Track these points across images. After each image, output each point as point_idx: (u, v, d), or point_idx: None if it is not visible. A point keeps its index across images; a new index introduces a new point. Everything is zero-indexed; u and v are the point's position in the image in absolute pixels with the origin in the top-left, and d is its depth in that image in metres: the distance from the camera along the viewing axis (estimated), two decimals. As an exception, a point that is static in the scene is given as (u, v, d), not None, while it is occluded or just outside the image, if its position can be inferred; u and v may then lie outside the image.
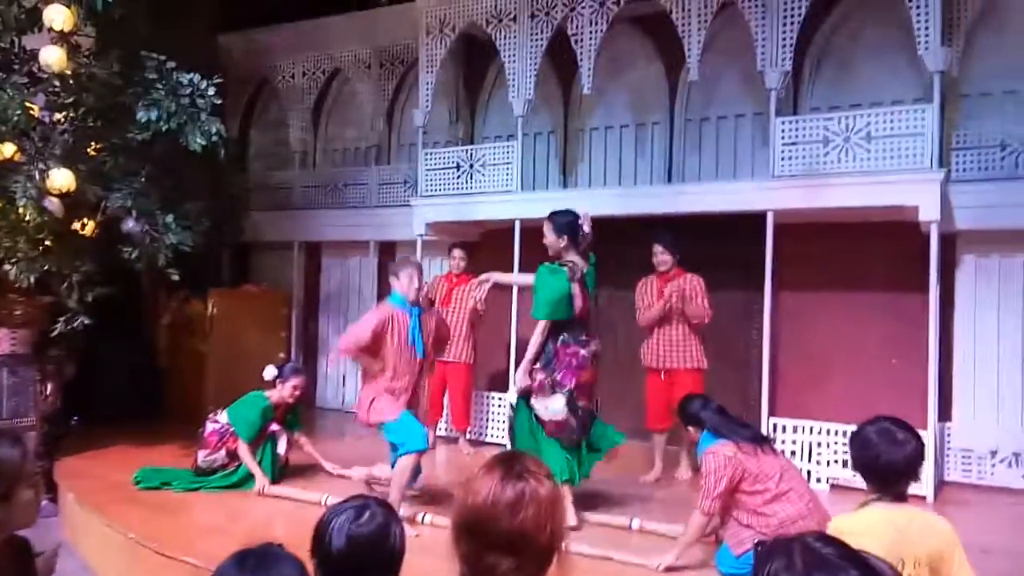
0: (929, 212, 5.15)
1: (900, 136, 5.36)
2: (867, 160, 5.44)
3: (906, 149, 5.33)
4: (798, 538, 1.27)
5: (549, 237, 4.41)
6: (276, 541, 1.57)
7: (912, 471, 2.36)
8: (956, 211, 5.55)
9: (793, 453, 5.51)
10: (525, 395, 4.32)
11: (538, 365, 4.26)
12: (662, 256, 5.56)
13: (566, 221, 4.39)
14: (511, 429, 4.54)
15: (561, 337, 4.25)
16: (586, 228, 4.38)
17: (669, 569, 3.68)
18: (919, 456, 2.36)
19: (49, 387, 5.83)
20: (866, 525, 2.30)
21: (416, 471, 4.51)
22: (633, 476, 5.50)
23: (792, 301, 6.20)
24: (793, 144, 5.68)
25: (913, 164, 5.29)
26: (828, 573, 1.19)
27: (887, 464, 2.33)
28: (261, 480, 5.04)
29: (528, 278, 4.54)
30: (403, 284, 4.55)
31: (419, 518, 4.32)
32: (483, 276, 4.86)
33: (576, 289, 4.25)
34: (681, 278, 5.53)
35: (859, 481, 5.36)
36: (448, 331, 5.24)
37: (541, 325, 4.26)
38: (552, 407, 4.17)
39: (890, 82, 6.14)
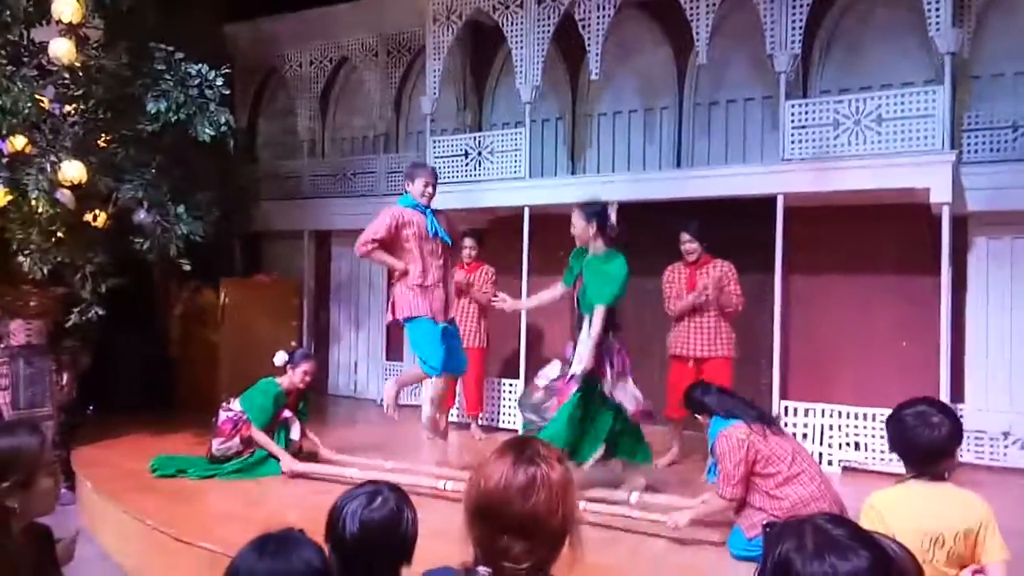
0: (940, 194, 5.12)
1: (911, 118, 5.32)
2: (878, 143, 5.40)
3: (917, 131, 5.30)
4: (809, 519, 1.28)
5: (579, 226, 4.46)
6: (295, 526, 1.59)
7: (948, 452, 2.40)
8: (968, 193, 5.51)
9: (804, 436, 5.52)
10: (585, 384, 4.32)
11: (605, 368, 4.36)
12: (689, 245, 5.45)
13: (595, 210, 4.44)
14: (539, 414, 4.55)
15: (609, 335, 4.35)
16: (613, 218, 4.41)
17: (682, 541, 3.71)
18: (954, 437, 2.39)
19: (65, 377, 5.89)
20: (904, 500, 2.37)
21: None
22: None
23: (803, 284, 6.18)
24: (803, 127, 5.65)
25: (924, 146, 5.25)
26: (839, 554, 1.20)
27: (923, 446, 2.37)
28: (287, 461, 5.10)
29: (541, 299, 4.84)
30: (416, 188, 4.87)
31: (441, 485, 4.37)
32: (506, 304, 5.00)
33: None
34: (711, 265, 5.44)
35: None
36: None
37: (601, 311, 4.28)
38: (633, 392, 4.35)
39: (900, 64, 6.09)
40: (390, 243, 4.88)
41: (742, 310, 5.47)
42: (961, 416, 5.59)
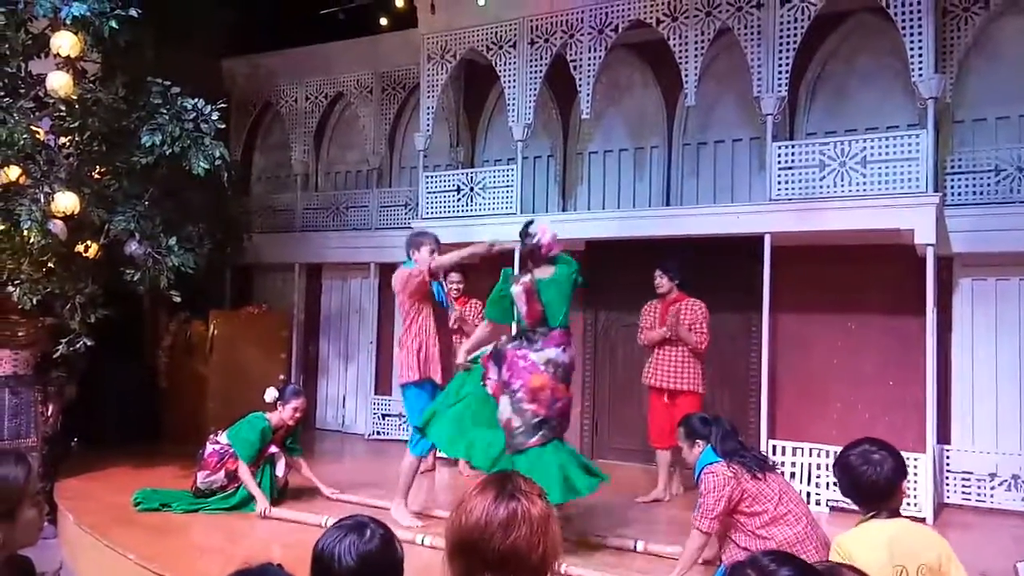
0: (925, 235, 5.20)
1: (895, 161, 5.42)
2: (863, 184, 5.49)
3: (901, 174, 5.39)
4: (751, 559, 1.30)
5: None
6: (274, 562, 1.59)
7: (895, 487, 2.46)
8: (952, 235, 5.60)
9: (792, 475, 5.51)
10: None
11: (492, 373, 4.41)
12: (659, 279, 5.64)
13: (520, 231, 4.49)
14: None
15: (513, 342, 4.37)
16: (543, 239, 4.36)
17: None
18: (898, 472, 2.45)
19: (50, 408, 5.85)
20: (867, 538, 2.42)
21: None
22: (634, 495, 5.50)
23: (790, 323, 6.23)
24: (790, 168, 5.74)
25: (908, 188, 5.35)
26: None
27: (870, 485, 2.45)
28: (263, 502, 5.04)
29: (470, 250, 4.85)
30: (423, 255, 4.84)
31: (418, 539, 4.33)
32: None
33: (522, 296, 4.33)
34: (683, 303, 5.56)
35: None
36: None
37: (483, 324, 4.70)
38: (501, 407, 4.29)
39: (885, 108, 6.22)
40: (412, 296, 4.85)
41: (705, 348, 5.50)
42: (948, 458, 5.65)
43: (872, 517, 2.46)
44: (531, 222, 4.49)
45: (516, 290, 4.38)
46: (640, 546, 4.35)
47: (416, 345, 4.83)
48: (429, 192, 7.26)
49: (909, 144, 5.40)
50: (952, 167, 5.80)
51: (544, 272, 4.38)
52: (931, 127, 5.40)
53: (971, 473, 5.63)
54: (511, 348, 4.36)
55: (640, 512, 5.23)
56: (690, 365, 5.51)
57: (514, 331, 4.57)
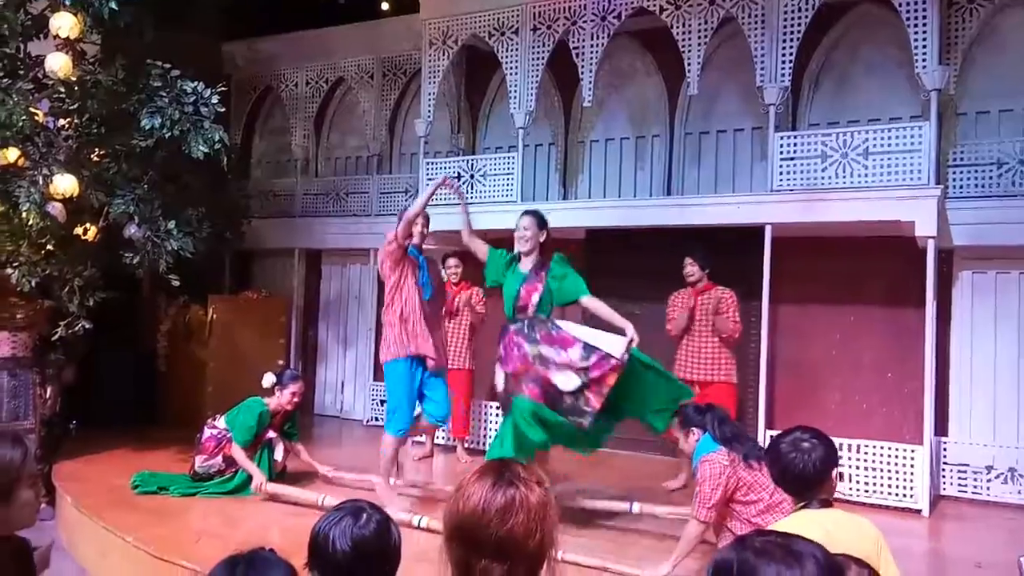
0: (926, 228, 5.19)
1: (897, 152, 5.40)
2: (865, 176, 5.48)
3: (903, 166, 5.37)
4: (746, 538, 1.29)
5: (531, 231, 4.64)
6: (269, 546, 1.59)
7: (824, 475, 2.44)
8: (953, 227, 5.59)
9: (789, 466, 5.52)
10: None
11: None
12: (691, 268, 5.56)
13: (544, 219, 4.73)
14: None
15: (516, 324, 4.53)
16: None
17: None
18: (828, 461, 2.44)
19: (49, 391, 5.85)
20: (799, 529, 2.34)
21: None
22: (640, 485, 5.50)
23: (789, 314, 6.23)
24: (791, 159, 5.72)
25: (910, 180, 5.33)
26: (785, 560, 1.21)
27: (799, 472, 2.42)
28: (259, 477, 5.03)
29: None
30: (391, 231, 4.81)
31: (415, 521, 4.33)
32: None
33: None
34: (712, 291, 5.53)
35: (854, 495, 5.40)
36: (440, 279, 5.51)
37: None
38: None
39: (888, 99, 6.19)
40: (390, 264, 4.81)
41: (738, 336, 5.52)
42: (945, 450, 5.67)
43: (803, 507, 2.44)
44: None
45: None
46: (636, 508, 4.40)
47: (397, 319, 4.77)
48: (430, 179, 7.22)
49: (912, 136, 5.38)
50: (954, 159, 5.78)
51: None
52: (934, 119, 5.38)
53: (968, 465, 5.65)
54: (514, 328, 4.49)
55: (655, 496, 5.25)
56: (722, 355, 5.47)
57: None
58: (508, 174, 6.84)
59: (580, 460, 5.03)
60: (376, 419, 7.84)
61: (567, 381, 4.27)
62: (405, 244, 4.78)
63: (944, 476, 5.69)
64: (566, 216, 6.53)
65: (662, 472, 5.69)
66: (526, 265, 4.61)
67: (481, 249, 4.79)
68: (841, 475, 2.51)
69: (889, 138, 5.45)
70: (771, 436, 5.57)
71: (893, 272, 5.89)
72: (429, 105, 7.29)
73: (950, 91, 5.76)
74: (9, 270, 5.36)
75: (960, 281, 5.89)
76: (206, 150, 5.57)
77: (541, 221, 4.66)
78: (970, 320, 5.85)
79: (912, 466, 5.24)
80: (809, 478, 2.43)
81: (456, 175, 7.06)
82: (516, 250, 4.69)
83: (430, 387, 4.85)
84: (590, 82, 6.48)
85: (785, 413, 6.04)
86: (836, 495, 2.54)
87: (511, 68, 6.84)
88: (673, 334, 5.62)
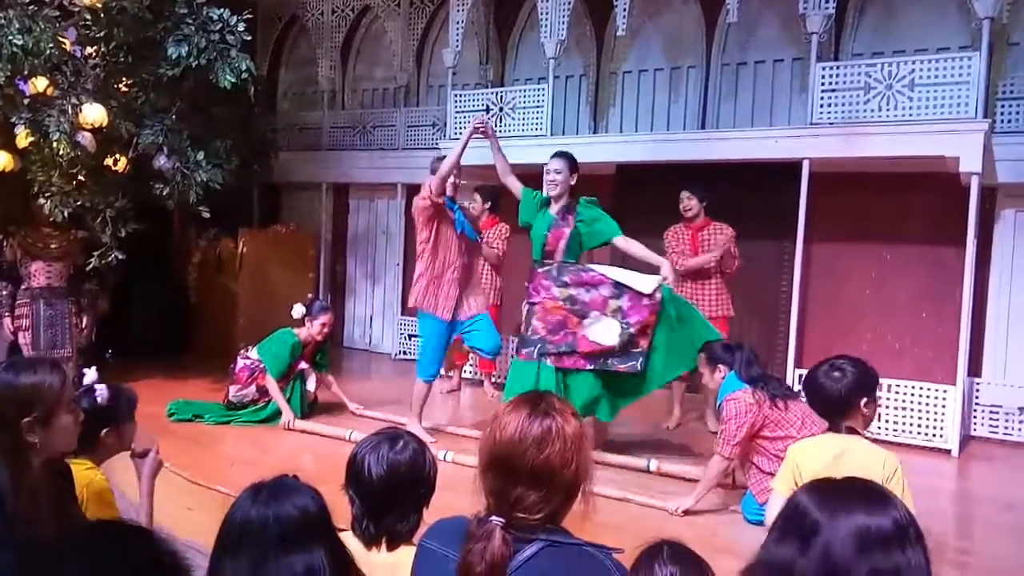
0: (970, 164, 5.00)
1: (944, 84, 5.18)
2: (909, 109, 5.27)
3: (950, 98, 5.16)
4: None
5: (563, 174, 4.58)
6: (298, 473, 1.61)
7: (852, 401, 2.47)
8: (998, 163, 5.39)
9: (817, 404, 5.50)
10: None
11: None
12: (688, 202, 5.47)
13: (576, 163, 4.67)
14: None
15: (545, 267, 4.53)
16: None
17: (687, 513, 3.72)
18: (859, 386, 2.47)
19: (84, 320, 5.96)
20: (816, 450, 2.52)
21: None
22: (651, 422, 5.53)
23: (824, 252, 6.11)
24: (833, 91, 5.51)
25: (957, 114, 5.12)
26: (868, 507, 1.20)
27: (827, 395, 2.50)
28: (288, 414, 5.14)
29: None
30: (424, 185, 4.72)
31: (442, 456, 4.39)
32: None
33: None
34: (712, 227, 5.46)
35: (883, 434, 5.38)
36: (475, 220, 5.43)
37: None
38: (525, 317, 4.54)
39: (936, 28, 5.92)
40: (425, 218, 4.72)
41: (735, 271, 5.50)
42: (977, 391, 5.59)
43: (829, 430, 2.49)
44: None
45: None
46: (653, 466, 4.39)
47: (427, 273, 4.76)
48: (458, 112, 7.11)
49: (960, 67, 5.15)
50: (1004, 92, 5.55)
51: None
52: (985, 49, 5.13)
53: (1000, 407, 5.58)
54: (542, 271, 4.47)
55: (657, 436, 5.27)
56: (723, 291, 5.47)
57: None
58: (538, 107, 6.69)
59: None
60: (404, 353, 7.92)
61: (607, 333, 4.26)
62: (440, 202, 4.68)
63: (975, 417, 5.64)
64: (596, 151, 6.41)
65: (686, 406, 5.69)
66: (555, 209, 4.56)
67: (516, 188, 4.73)
68: (877, 410, 2.54)
69: (937, 69, 5.22)
70: (800, 375, 5.58)
71: (933, 210, 5.73)
72: (457, 34, 7.11)
73: (1003, 19, 5.49)
74: (42, 200, 5.41)
75: (1002, 220, 5.71)
76: (233, 79, 5.50)
77: (572, 164, 4.58)
78: (1011, 260, 5.69)
79: (943, 406, 5.18)
80: (833, 402, 2.48)
81: (485, 107, 6.93)
82: (546, 193, 4.62)
83: (474, 324, 4.85)
84: (624, 10, 6.25)
85: (816, 352, 5.96)
86: (864, 433, 2.56)
87: (542, -5, 6.62)
88: (683, 272, 5.44)
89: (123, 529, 1.22)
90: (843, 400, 2.47)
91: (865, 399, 2.51)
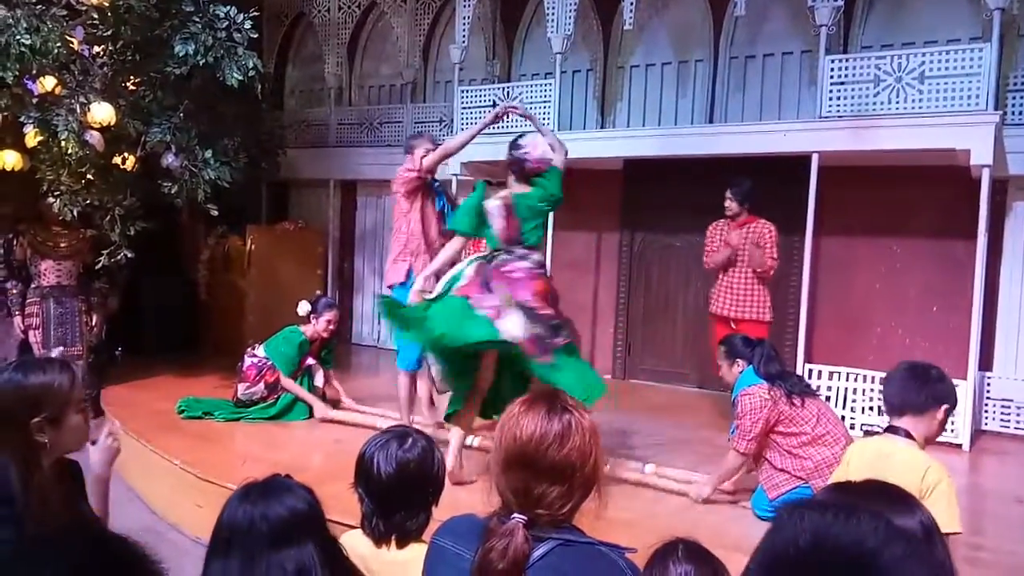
0: (981, 156, 4.96)
1: (955, 76, 5.14)
2: (919, 101, 5.24)
3: (960, 90, 5.12)
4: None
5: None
6: (281, 473, 1.61)
7: (925, 405, 2.39)
8: (1009, 156, 5.35)
9: (828, 399, 5.48)
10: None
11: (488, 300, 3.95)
12: (728, 202, 5.31)
13: (512, 141, 4.22)
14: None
15: (494, 260, 4.03)
16: (532, 155, 4.08)
17: (706, 501, 3.72)
18: (945, 393, 2.42)
19: (94, 318, 5.99)
20: (865, 450, 2.51)
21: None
22: (665, 417, 5.51)
23: (833, 246, 6.08)
24: (842, 84, 5.48)
25: (967, 106, 5.08)
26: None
27: (885, 396, 2.51)
28: (321, 408, 5.21)
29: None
30: (416, 155, 4.67)
31: (469, 441, 4.24)
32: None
33: (497, 211, 4.05)
34: (753, 224, 5.30)
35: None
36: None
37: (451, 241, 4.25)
38: (511, 327, 3.81)
39: (946, 20, 5.87)
40: (406, 196, 4.69)
41: (772, 272, 5.32)
42: (988, 385, 5.56)
43: (887, 431, 2.44)
44: (523, 135, 4.21)
45: (494, 204, 4.06)
46: (650, 468, 4.21)
47: (400, 247, 4.70)
48: (464, 107, 7.09)
49: (971, 59, 5.10)
50: (1015, 84, 5.50)
51: (520, 189, 4.10)
52: (995, 41, 5.08)
53: (1011, 401, 5.56)
54: (495, 266, 4.02)
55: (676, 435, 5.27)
56: (756, 291, 5.26)
57: (483, 251, 4.20)
58: (545, 102, 6.67)
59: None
60: (412, 349, 7.91)
61: (515, 328, 3.82)
62: (427, 177, 4.67)
63: (986, 411, 5.60)
64: (604, 146, 6.40)
65: (692, 403, 5.68)
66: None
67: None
68: (942, 421, 2.44)
69: (947, 61, 5.18)
70: (809, 369, 5.56)
71: (943, 203, 5.69)
72: (464, 30, 7.09)
73: (1013, 10, 5.44)
74: (51, 199, 5.42)
75: (1014, 212, 5.67)
76: (240, 77, 5.50)
77: (513, 142, 4.25)
78: (1022, 253, 5.65)
79: (954, 401, 5.15)
80: (900, 406, 2.41)
81: (491, 103, 6.91)
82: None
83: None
84: (631, 4, 6.22)
85: (825, 346, 5.97)
86: (872, 427, 2.54)
87: (549, -10, 6.60)
88: (710, 268, 5.45)
89: (93, 535, 1.14)
90: (923, 401, 2.38)
91: (947, 407, 2.43)
